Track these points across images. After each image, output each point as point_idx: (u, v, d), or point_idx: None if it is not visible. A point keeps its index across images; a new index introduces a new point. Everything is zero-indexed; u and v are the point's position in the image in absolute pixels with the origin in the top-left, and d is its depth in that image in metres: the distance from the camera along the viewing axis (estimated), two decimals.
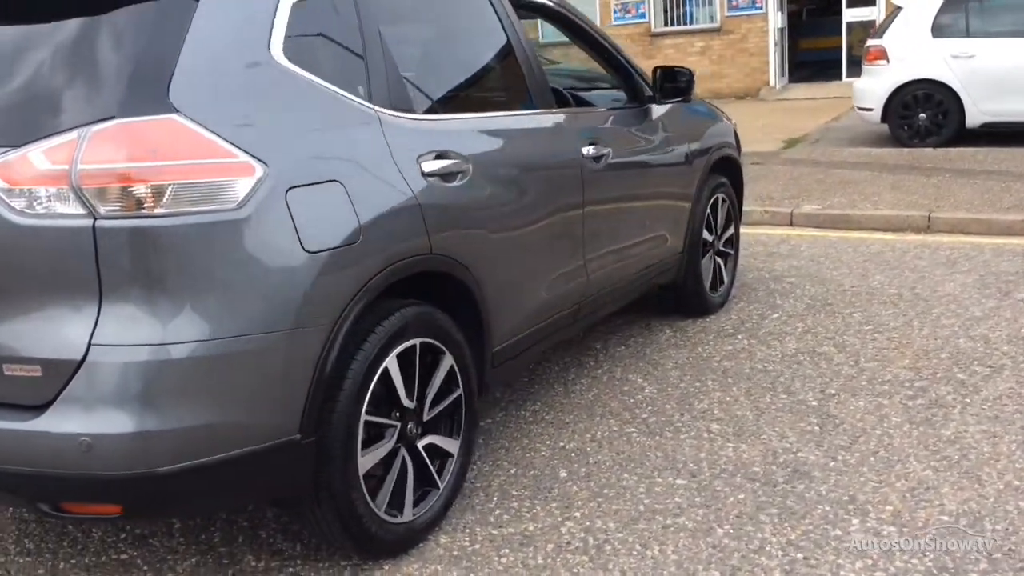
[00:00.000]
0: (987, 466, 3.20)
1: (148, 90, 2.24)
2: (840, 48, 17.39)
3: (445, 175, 2.92)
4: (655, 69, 4.33)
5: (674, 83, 4.32)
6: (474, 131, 3.18)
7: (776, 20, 17.41)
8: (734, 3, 17.66)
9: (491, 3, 3.48)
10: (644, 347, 4.61)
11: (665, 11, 18.36)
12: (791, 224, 7.36)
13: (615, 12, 18.51)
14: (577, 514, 3.05)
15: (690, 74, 4.32)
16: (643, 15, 18.36)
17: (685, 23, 18.28)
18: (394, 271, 2.67)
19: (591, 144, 3.74)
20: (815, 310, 5.05)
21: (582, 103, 4.56)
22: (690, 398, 3.94)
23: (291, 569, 2.81)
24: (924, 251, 6.21)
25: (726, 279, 5.19)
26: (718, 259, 5.10)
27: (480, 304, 3.08)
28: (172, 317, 2.20)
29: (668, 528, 2.94)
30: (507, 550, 2.86)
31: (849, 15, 17.03)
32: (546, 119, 3.58)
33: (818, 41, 19.55)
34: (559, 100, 4.37)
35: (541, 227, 3.41)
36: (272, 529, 3.02)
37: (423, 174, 2.82)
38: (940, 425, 3.54)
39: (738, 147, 5.35)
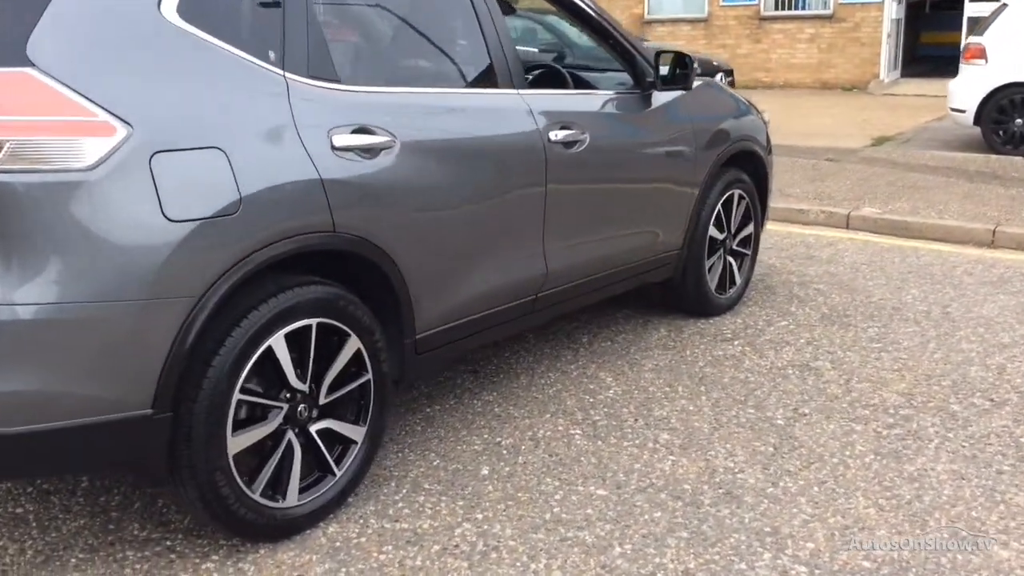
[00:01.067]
0: (940, 511, 2.92)
1: (3, 43, 2.18)
2: (959, 44, 16.42)
3: (363, 150, 2.79)
4: (656, 54, 4.08)
5: (673, 71, 4.06)
6: (409, 106, 3.03)
7: (892, 10, 16.57)
8: None
9: None
10: (630, 345, 4.40)
11: None
12: (846, 227, 6.95)
13: None
14: (479, 516, 2.90)
15: (690, 62, 4.05)
16: None
17: (796, 8, 17.57)
18: (283, 247, 2.56)
19: (562, 128, 3.54)
20: (829, 321, 4.73)
21: (584, 85, 4.36)
22: (652, 403, 3.73)
23: (168, 543, 2.76)
24: (977, 267, 5.76)
25: (739, 280, 4.91)
26: (731, 259, 4.83)
27: (398, 288, 2.95)
28: (10, 277, 2.14)
29: (565, 541, 2.77)
30: (390, 547, 2.74)
31: (971, 9, 16.02)
32: (502, 99, 3.39)
33: (939, 35, 18.58)
34: (556, 80, 4.21)
35: (483, 211, 3.25)
36: (169, 500, 2.98)
37: (333, 148, 2.70)
38: (907, 460, 3.25)
39: (767, 143, 5.03)
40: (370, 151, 2.81)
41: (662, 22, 18.74)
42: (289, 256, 2.60)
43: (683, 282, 4.59)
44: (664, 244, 4.32)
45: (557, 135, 3.51)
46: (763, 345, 4.39)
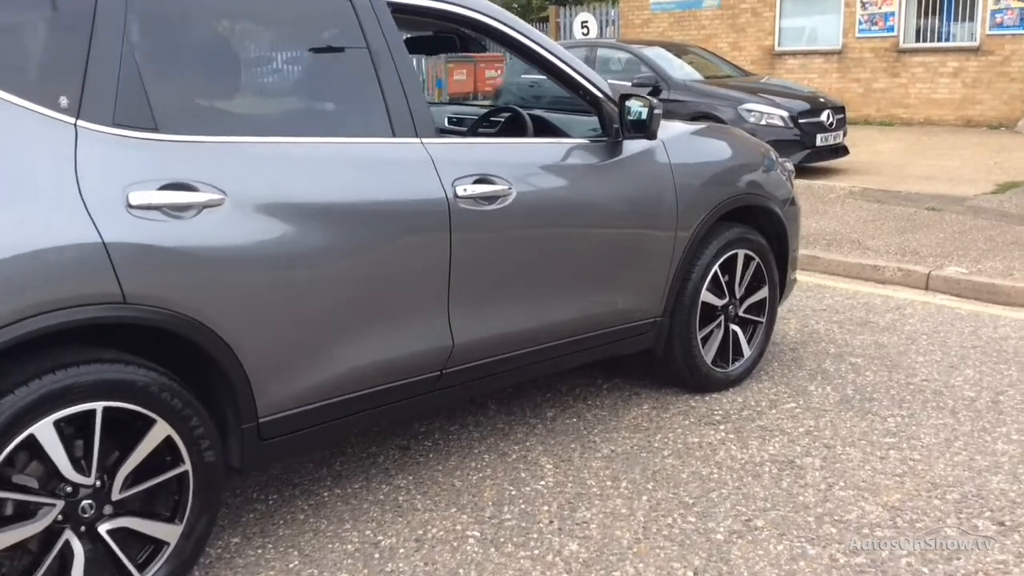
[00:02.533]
0: None
1: None
2: None
3: (176, 208, 2.43)
4: (621, 97, 3.57)
5: (634, 116, 3.53)
6: (254, 158, 2.65)
7: None
8: (998, 20, 15.54)
9: (352, 6, 2.94)
10: (598, 424, 3.86)
11: (918, 25, 16.49)
12: (925, 288, 6.14)
13: (860, 23, 16.88)
14: None
15: (651, 106, 3.51)
16: (891, 28, 16.61)
17: (939, 39, 16.32)
18: (44, 321, 2.23)
19: (478, 182, 3.09)
20: (846, 406, 4.05)
21: (553, 132, 3.91)
22: (580, 502, 3.20)
23: None
24: None
25: (748, 352, 4.29)
26: (736, 328, 4.22)
27: (228, 367, 2.57)
28: None
29: None
30: None
31: None
32: (395, 149, 2.97)
33: None
34: (515, 127, 3.78)
35: (356, 278, 2.84)
36: None
37: (129, 206, 2.35)
38: None
39: (787, 196, 4.40)
40: (186, 209, 2.45)
41: (793, 55, 17.83)
42: (66, 329, 2.27)
43: (668, 354, 4.03)
44: (635, 311, 3.78)
45: (468, 190, 3.06)
46: (751, 432, 3.77)
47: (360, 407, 2.95)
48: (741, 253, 4.14)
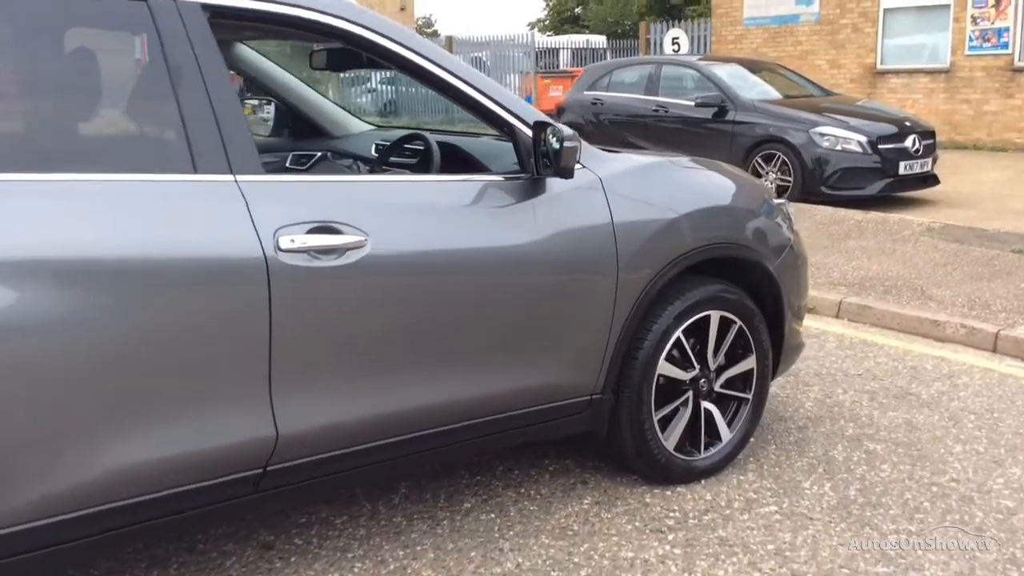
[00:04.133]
0: None
1: None
2: None
3: None
4: (536, 125, 2.85)
5: (550, 149, 2.80)
6: None
7: None
8: None
9: (149, 8, 2.32)
10: (518, 523, 3.13)
11: None
12: (992, 350, 5.17)
13: (971, 39, 15.53)
14: None
15: (561, 137, 2.76)
16: (1005, 45, 15.21)
17: None
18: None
19: (315, 231, 2.43)
20: (841, 514, 3.21)
21: (473, 167, 3.22)
22: None
23: None
24: None
25: (726, 436, 3.49)
26: (710, 407, 3.42)
27: None
28: None
29: None
30: None
31: None
32: (191, 189, 2.33)
33: None
34: (421, 159, 3.13)
35: (119, 352, 2.20)
36: None
37: None
38: None
39: (783, 245, 3.59)
40: None
41: (896, 73, 16.56)
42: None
43: (614, 439, 3.27)
44: (559, 388, 3.04)
45: (297, 241, 2.40)
46: (705, 547, 2.98)
47: (132, 520, 2.30)
48: (715, 315, 3.35)
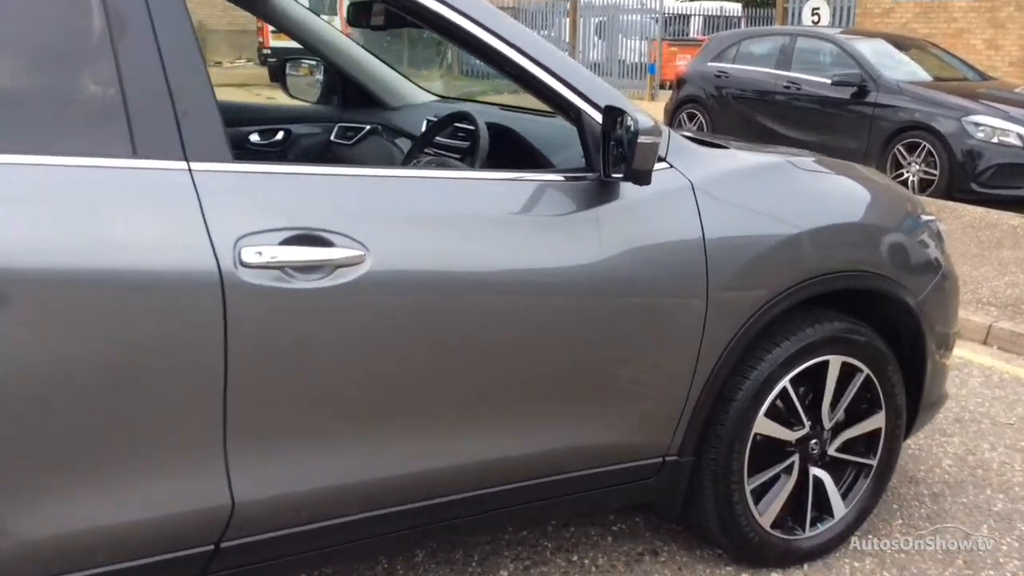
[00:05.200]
0: None
1: None
2: None
3: None
4: (607, 111, 2.15)
5: (620, 142, 2.10)
6: None
7: None
8: None
9: None
10: None
11: None
12: None
13: None
14: None
15: (635, 129, 2.05)
16: None
17: None
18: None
19: (294, 240, 1.82)
20: None
21: (529, 159, 2.56)
22: None
23: None
24: None
25: (840, 511, 2.75)
26: (821, 474, 2.70)
27: None
28: None
29: None
30: None
31: None
32: (114, 179, 1.73)
33: None
34: (479, 145, 2.49)
35: (17, 389, 1.65)
36: None
37: None
38: None
39: (930, 271, 2.81)
40: None
41: None
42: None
43: (693, 510, 2.58)
44: (620, 446, 2.37)
45: (266, 254, 1.79)
46: None
47: None
48: (836, 361, 2.61)
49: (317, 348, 1.89)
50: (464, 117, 2.65)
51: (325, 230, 1.87)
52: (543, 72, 2.17)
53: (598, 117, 2.17)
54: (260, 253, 1.79)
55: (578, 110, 2.20)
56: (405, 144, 3.13)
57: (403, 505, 2.10)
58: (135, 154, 1.75)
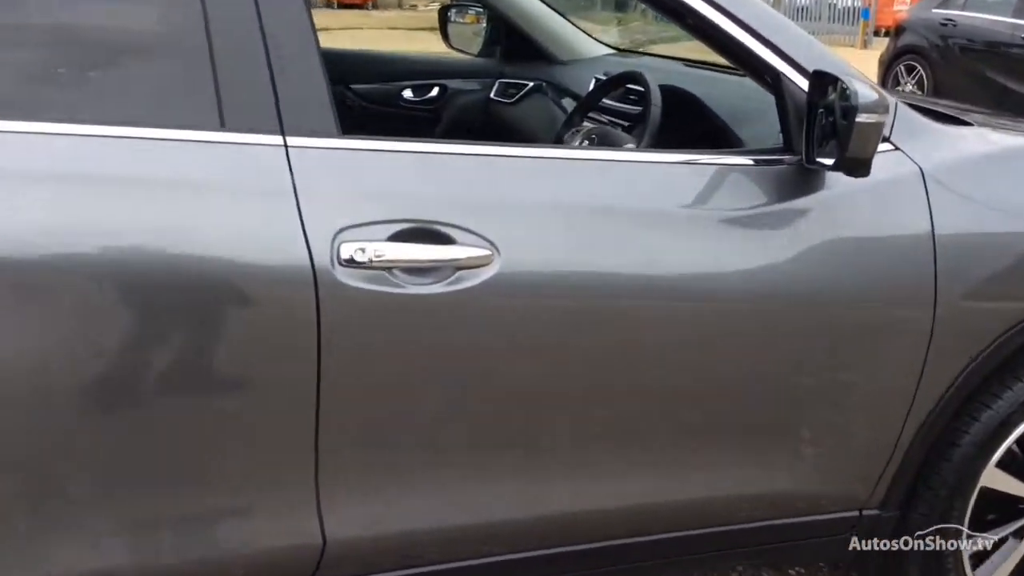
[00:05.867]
0: None
1: None
2: None
3: None
4: (813, 77, 1.67)
5: (831, 119, 1.62)
6: None
7: None
8: None
9: None
10: None
11: None
12: None
13: None
14: None
15: (857, 109, 1.53)
16: None
17: None
18: None
19: (405, 236, 1.48)
20: None
21: (713, 135, 2.11)
22: None
23: None
24: None
25: None
26: None
27: None
28: None
29: None
30: None
31: None
32: (195, 155, 1.43)
33: None
34: (649, 115, 2.06)
35: (73, 400, 1.41)
36: None
37: None
38: None
39: None
40: None
41: None
42: None
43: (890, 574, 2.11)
44: (803, 496, 1.92)
45: (370, 251, 1.46)
46: None
47: None
48: None
49: (429, 367, 1.55)
50: (634, 79, 2.20)
51: (445, 223, 1.51)
52: (730, 22, 1.70)
53: (803, 84, 1.70)
54: (363, 250, 1.45)
55: (777, 74, 1.72)
56: (571, 105, 2.73)
57: (534, 551, 1.75)
58: (223, 125, 1.44)
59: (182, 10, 1.48)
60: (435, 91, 3.00)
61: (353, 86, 2.93)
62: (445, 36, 3.17)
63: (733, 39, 1.72)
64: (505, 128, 2.89)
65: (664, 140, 2.01)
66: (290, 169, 1.45)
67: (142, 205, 1.40)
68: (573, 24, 3.06)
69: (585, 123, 2.28)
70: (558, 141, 2.28)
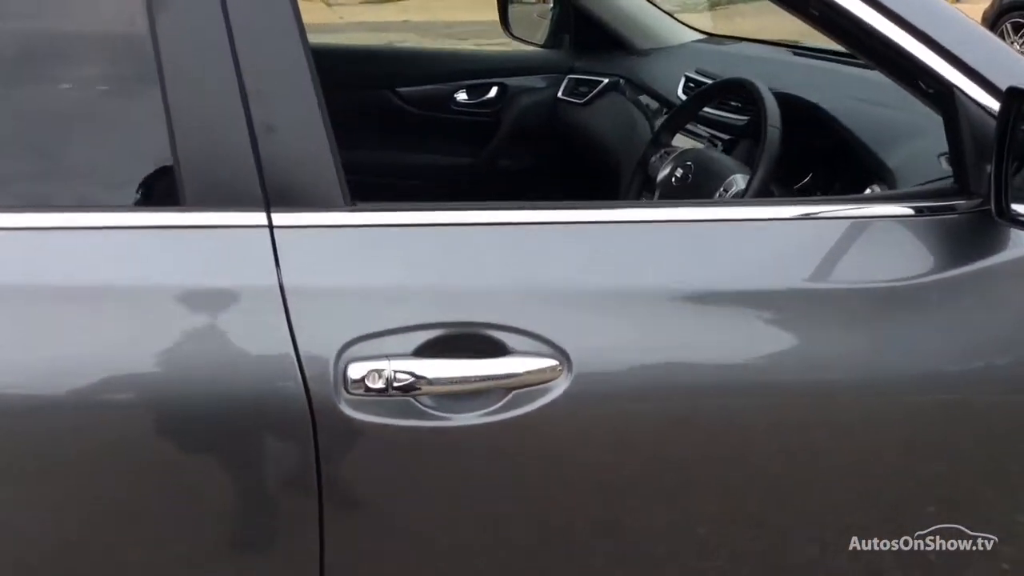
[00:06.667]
0: None
1: None
2: None
3: None
4: (1008, 95, 1.17)
5: None
6: None
7: None
8: None
9: None
10: None
11: None
12: None
13: None
14: None
15: None
16: None
17: None
18: None
19: (436, 348, 1.06)
20: None
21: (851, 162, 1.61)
22: None
23: None
24: None
25: None
26: None
27: None
28: None
29: None
30: None
31: None
32: (140, 240, 1.04)
33: None
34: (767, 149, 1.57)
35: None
36: None
37: None
38: None
39: None
40: None
41: None
42: None
43: None
44: None
45: (387, 372, 1.03)
46: None
47: None
48: None
49: (476, 522, 1.14)
50: (742, 89, 1.71)
51: (493, 325, 1.08)
52: (878, 15, 1.22)
53: (990, 104, 1.21)
54: (379, 371, 1.03)
55: (949, 89, 1.24)
56: (653, 105, 2.27)
57: None
58: (182, 200, 1.04)
59: (126, 39, 1.08)
60: (493, 91, 2.57)
61: (399, 89, 2.52)
62: (505, 23, 2.72)
63: (883, 38, 1.24)
64: (576, 134, 2.45)
65: (784, 174, 1.54)
66: (275, 258, 1.03)
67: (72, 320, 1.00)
68: (654, 4, 2.58)
69: (669, 149, 1.80)
70: (642, 165, 1.82)
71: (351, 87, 2.39)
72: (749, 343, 1.17)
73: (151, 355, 1.01)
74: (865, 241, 1.25)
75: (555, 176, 2.56)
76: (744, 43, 2.44)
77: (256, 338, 1.02)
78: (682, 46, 2.46)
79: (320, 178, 1.08)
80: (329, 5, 10.46)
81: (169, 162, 1.04)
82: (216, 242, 1.04)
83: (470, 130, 2.55)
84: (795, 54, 2.22)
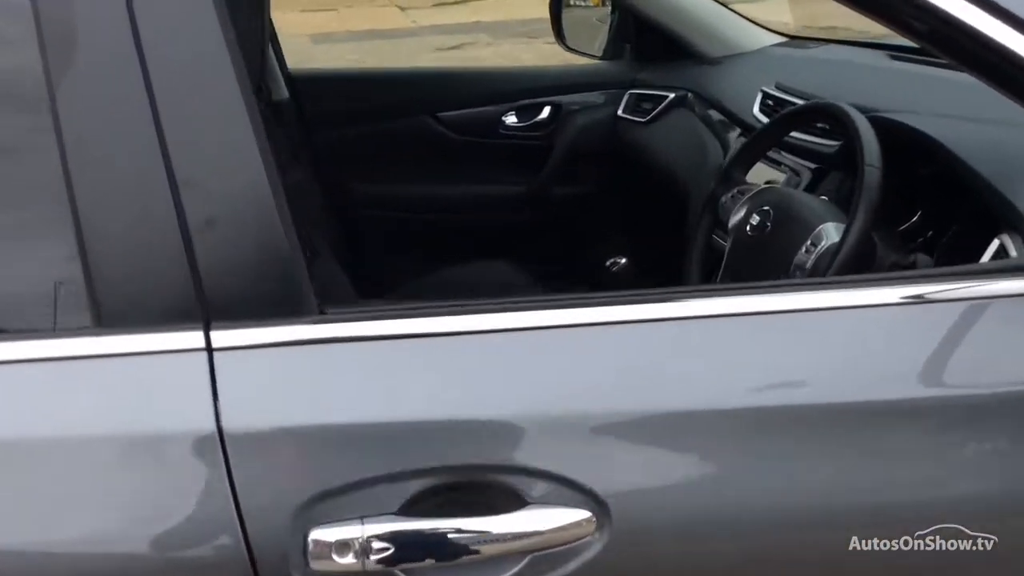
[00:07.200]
0: None
1: None
2: None
3: None
4: None
5: None
6: None
7: None
8: None
9: None
10: None
11: None
12: None
13: None
14: None
15: None
16: None
17: None
18: None
19: (434, 498, 0.81)
20: None
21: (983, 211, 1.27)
22: None
23: None
24: None
25: None
26: None
27: None
28: None
29: None
30: None
31: None
32: (42, 374, 0.80)
33: None
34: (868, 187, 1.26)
35: None
36: None
37: None
38: None
39: None
40: None
41: None
42: None
43: None
44: None
45: (361, 542, 0.78)
46: None
47: None
48: None
49: None
50: (830, 115, 1.39)
51: (504, 468, 0.82)
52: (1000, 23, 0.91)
53: None
54: (352, 541, 0.78)
55: None
56: (723, 122, 1.97)
57: None
58: (98, 321, 0.81)
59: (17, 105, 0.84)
60: (545, 112, 2.30)
61: (440, 114, 2.28)
62: (559, 34, 2.44)
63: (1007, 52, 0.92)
64: (638, 158, 2.17)
65: (885, 217, 1.23)
66: (214, 390, 0.79)
67: None
68: (725, 4, 2.27)
69: (743, 187, 1.48)
70: (711, 204, 1.52)
71: (384, 116, 2.17)
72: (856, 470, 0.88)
73: (67, 525, 0.78)
74: (996, 328, 0.94)
75: (615, 206, 2.28)
76: (831, 45, 2.11)
77: (187, 503, 0.78)
78: (758, 52, 2.15)
79: (275, 282, 0.83)
80: (403, 10, 10.34)
81: (77, 271, 0.80)
82: (138, 372, 0.80)
83: (520, 156, 2.29)
84: (892, 57, 1.89)
